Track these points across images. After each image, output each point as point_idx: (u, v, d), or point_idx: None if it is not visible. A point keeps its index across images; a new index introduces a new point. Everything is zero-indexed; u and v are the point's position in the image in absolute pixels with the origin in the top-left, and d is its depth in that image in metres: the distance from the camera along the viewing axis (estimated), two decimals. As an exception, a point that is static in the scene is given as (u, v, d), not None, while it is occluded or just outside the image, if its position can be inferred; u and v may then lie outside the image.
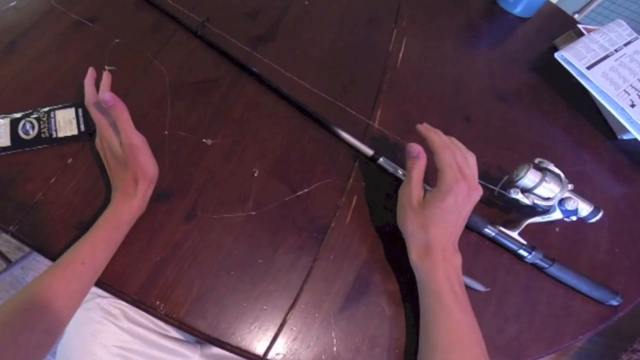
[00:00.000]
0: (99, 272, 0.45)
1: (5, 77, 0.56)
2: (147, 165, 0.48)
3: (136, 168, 0.47)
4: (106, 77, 0.53)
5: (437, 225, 0.46)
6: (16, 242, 1.28)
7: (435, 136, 0.50)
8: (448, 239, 0.47)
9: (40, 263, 1.28)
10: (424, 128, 0.52)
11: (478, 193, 0.47)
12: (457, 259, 0.47)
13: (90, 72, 0.53)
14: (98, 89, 0.52)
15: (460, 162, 0.48)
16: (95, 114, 0.50)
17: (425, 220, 0.46)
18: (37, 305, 0.40)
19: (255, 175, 0.54)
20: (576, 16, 0.84)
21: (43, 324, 0.40)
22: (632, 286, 0.56)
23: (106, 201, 0.48)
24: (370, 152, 0.57)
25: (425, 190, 0.49)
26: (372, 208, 0.55)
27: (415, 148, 0.49)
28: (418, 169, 0.49)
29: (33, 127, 0.52)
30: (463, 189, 0.46)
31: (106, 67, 0.59)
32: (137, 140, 0.47)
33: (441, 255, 0.46)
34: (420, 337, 0.46)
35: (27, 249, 1.17)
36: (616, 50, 0.72)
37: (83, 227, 0.47)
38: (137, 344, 0.58)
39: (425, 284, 0.46)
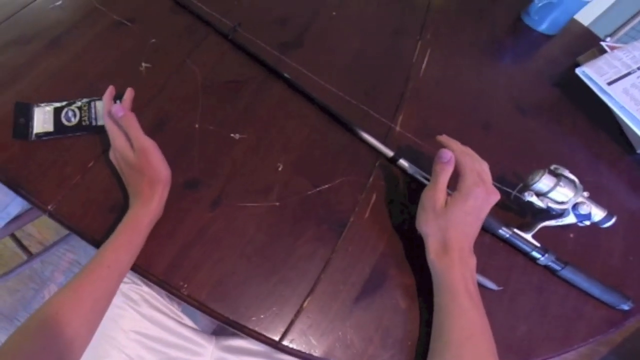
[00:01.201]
0: (123, 275, 0.47)
1: (50, 70, 0.61)
2: (160, 167, 0.50)
3: (150, 172, 0.49)
4: (128, 93, 0.56)
5: (457, 226, 0.48)
6: (38, 235, 1.33)
7: (455, 144, 0.53)
8: (465, 239, 0.49)
9: (60, 258, 1.32)
10: (445, 138, 0.55)
11: (496, 197, 0.50)
12: (473, 261, 0.49)
13: (109, 90, 0.55)
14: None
15: (478, 168, 0.50)
16: (108, 127, 0.52)
17: (446, 222, 0.48)
18: (67, 309, 0.42)
19: (280, 169, 0.57)
20: (608, 39, 0.84)
21: (73, 328, 0.42)
22: (645, 293, 0.57)
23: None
24: (390, 153, 0.59)
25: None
26: (391, 206, 0.57)
27: (448, 154, 0.51)
28: (445, 174, 0.51)
29: (75, 115, 0.56)
30: (482, 192, 0.49)
31: (142, 64, 0.63)
32: (148, 143, 0.50)
33: (458, 255, 0.47)
34: (433, 332, 0.47)
35: (48, 243, 1.21)
36: (639, 68, 0.73)
37: (116, 210, 0.50)
38: (155, 330, 0.60)
39: (442, 281, 0.47)
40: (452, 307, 0.46)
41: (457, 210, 0.48)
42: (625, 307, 0.53)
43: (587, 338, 0.52)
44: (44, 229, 1.36)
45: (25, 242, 1.22)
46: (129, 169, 0.50)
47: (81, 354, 0.43)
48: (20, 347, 0.41)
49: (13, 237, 1.09)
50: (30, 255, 1.20)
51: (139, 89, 0.60)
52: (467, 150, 0.53)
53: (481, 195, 0.48)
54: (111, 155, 0.53)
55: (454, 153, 0.51)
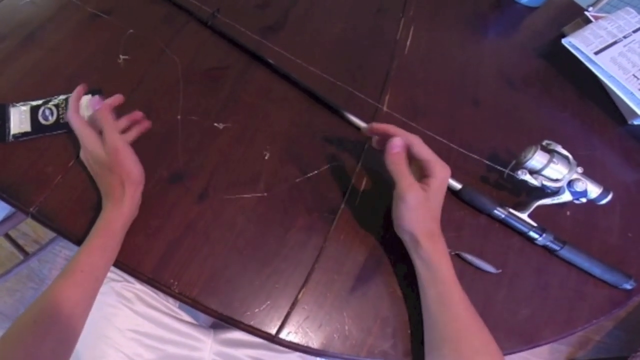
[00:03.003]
0: (100, 278, 0.46)
1: (25, 67, 0.58)
2: (132, 167, 0.48)
3: (121, 171, 0.47)
4: (116, 98, 0.52)
5: (439, 212, 0.48)
6: (33, 234, 1.32)
7: (394, 128, 0.50)
8: (439, 225, 0.48)
9: (56, 256, 1.31)
10: (378, 125, 0.51)
11: (448, 171, 0.49)
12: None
13: (78, 88, 0.52)
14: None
15: (427, 147, 0.49)
16: (77, 126, 0.49)
17: (432, 212, 0.47)
18: (45, 315, 0.41)
19: (266, 157, 0.55)
20: (590, 9, 0.83)
21: (53, 334, 0.41)
22: (646, 271, 0.56)
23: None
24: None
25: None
26: (382, 190, 0.55)
27: (398, 141, 0.48)
28: (404, 163, 0.48)
29: (52, 114, 0.54)
30: (449, 173, 0.48)
31: (120, 56, 0.61)
32: (120, 142, 0.48)
33: (443, 245, 0.47)
34: (427, 325, 0.46)
35: (43, 242, 1.20)
36: (625, 37, 0.72)
37: (99, 209, 0.48)
38: (151, 327, 0.59)
39: (434, 272, 0.46)
40: (446, 299, 0.45)
41: (439, 200, 0.48)
42: (628, 287, 0.52)
43: (591, 319, 0.51)
44: (38, 227, 1.35)
45: (21, 242, 1.21)
46: (99, 168, 0.48)
47: (68, 357, 0.43)
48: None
49: (8, 237, 1.08)
50: (27, 255, 1.19)
51: (118, 82, 0.59)
52: (404, 132, 0.50)
53: (447, 177, 0.48)
54: (82, 155, 0.51)
55: (407, 139, 0.48)
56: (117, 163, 0.47)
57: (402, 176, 0.47)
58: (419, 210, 0.47)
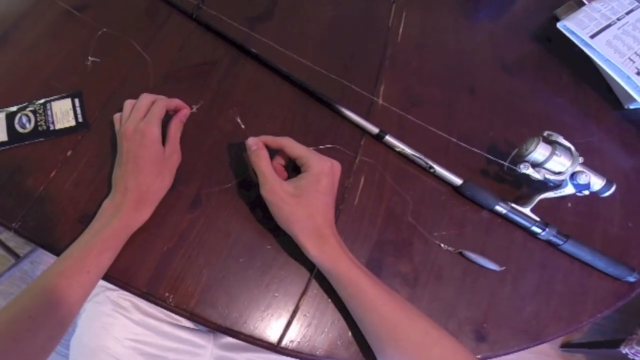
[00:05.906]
0: (101, 276, 0.44)
1: (-1, 70, 0.55)
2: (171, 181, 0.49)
3: (171, 179, 0.48)
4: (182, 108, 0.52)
5: (320, 210, 0.44)
6: (22, 237, 1.29)
7: (270, 138, 0.49)
8: (331, 222, 0.45)
9: (49, 256, 1.29)
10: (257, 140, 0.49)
11: (338, 166, 0.47)
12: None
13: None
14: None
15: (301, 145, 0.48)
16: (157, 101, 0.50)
17: (309, 208, 0.44)
18: (42, 312, 0.39)
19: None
20: None
21: (47, 331, 0.40)
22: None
23: (109, 193, 0.47)
24: (375, 130, 0.56)
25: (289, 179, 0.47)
26: (381, 188, 0.54)
27: (252, 140, 0.48)
28: (264, 160, 0.46)
29: (29, 120, 0.51)
30: (328, 166, 0.46)
31: (90, 58, 0.57)
32: (180, 154, 0.49)
33: (336, 240, 0.44)
34: (361, 329, 0.44)
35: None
36: (618, 19, 0.70)
37: (86, 220, 0.46)
38: (149, 335, 0.58)
39: (337, 276, 0.43)
40: (362, 300, 0.42)
41: (314, 193, 0.44)
42: (632, 279, 0.51)
43: (595, 313, 0.50)
44: (27, 228, 1.32)
45: (11, 244, 1.19)
46: (143, 158, 0.45)
47: (51, 352, 0.41)
48: None
49: (-3, 241, 1.06)
50: (18, 258, 1.17)
51: (98, 84, 0.55)
52: (274, 137, 0.49)
53: (329, 170, 0.45)
54: (130, 127, 0.46)
55: (279, 142, 0.48)
56: (171, 169, 0.48)
57: (261, 174, 0.46)
58: (286, 208, 0.44)
